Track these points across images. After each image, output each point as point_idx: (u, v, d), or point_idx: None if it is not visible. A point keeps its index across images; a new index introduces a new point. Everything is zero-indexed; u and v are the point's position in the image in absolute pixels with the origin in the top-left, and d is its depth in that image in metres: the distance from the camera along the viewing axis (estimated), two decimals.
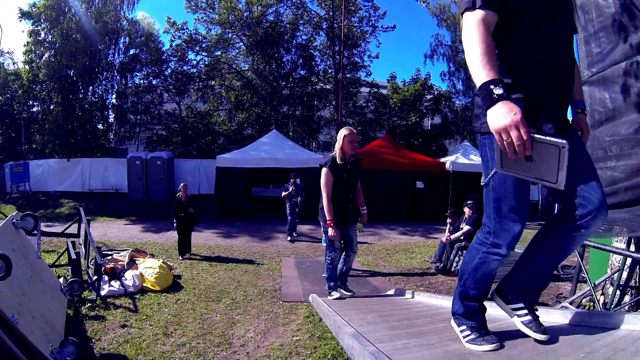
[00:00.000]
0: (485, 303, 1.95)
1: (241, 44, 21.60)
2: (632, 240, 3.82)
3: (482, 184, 1.78)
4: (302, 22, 21.51)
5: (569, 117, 1.86)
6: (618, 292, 3.93)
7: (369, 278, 6.55)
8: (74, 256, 5.12)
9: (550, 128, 1.58)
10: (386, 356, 1.76)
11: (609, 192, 2.85)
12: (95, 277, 4.87)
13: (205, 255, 8.25)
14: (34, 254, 4.45)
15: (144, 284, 5.47)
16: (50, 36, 17.95)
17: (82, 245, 5.97)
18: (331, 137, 22.55)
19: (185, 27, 20.77)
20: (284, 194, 10.30)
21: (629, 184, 2.96)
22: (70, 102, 18.09)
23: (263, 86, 19.76)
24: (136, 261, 6.27)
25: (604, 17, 3.11)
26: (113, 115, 21.11)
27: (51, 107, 18.29)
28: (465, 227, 7.01)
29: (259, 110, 20.55)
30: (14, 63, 22.30)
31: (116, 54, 20.23)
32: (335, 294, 4.51)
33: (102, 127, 20.54)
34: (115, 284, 5.27)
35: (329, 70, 22.37)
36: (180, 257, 7.81)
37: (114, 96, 20.81)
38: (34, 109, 20.57)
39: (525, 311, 1.81)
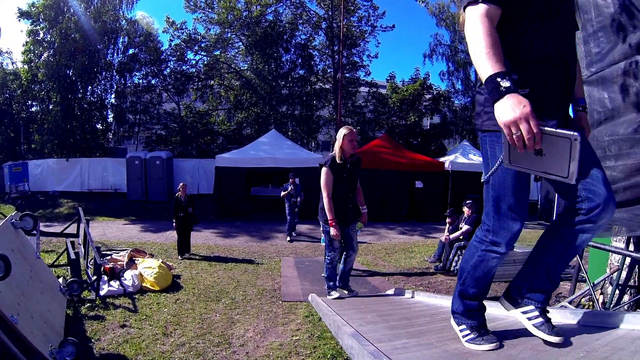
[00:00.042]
0: (485, 302, 1.95)
1: (240, 43, 21.59)
2: (631, 240, 3.83)
3: (482, 181, 1.78)
4: (301, 21, 21.52)
5: (570, 116, 1.86)
6: (617, 291, 3.94)
7: (369, 278, 6.55)
8: (73, 256, 5.12)
9: (553, 125, 1.57)
10: (385, 356, 1.76)
11: None
12: (95, 277, 4.86)
13: (204, 255, 8.25)
14: (33, 254, 4.45)
15: (143, 284, 5.47)
16: (49, 36, 17.91)
17: (82, 245, 5.96)
18: (330, 137, 22.56)
19: (184, 27, 20.79)
20: (282, 193, 10.31)
21: (627, 183, 2.96)
22: (69, 102, 18.05)
23: (262, 86, 19.75)
24: (135, 261, 6.27)
25: (602, 17, 3.12)
26: (112, 115, 21.10)
27: (50, 107, 18.25)
28: (465, 227, 7.02)
29: (258, 110, 20.54)
30: (12, 63, 22.30)
31: (115, 54, 20.23)
32: (335, 294, 4.51)
33: (101, 127, 20.52)
34: (115, 284, 5.27)
35: (328, 70, 22.37)
36: (179, 257, 7.81)
37: (113, 96, 20.80)
38: (33, 109, 20.55)
39: (536, 313, 1.75)
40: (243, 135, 20.78)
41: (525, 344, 1.77)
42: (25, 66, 18.59)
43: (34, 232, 4.61)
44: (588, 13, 3.21)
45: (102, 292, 4.97)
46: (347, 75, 21.42)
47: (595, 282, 4.15)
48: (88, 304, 4.59)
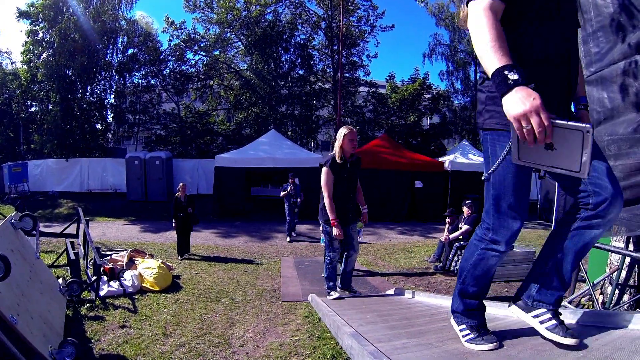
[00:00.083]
0: (485, 302, 1.95)
1: (240, 43, 21.59)
2: (631, 240, 3.84)
3: (482, 179, 1.77)
4: (300, 21, 21.51)
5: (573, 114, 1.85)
6: (617, 291, 3.94)
7: (368, 278, 6.55)
8: (72, 256, 5.12)
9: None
10: (385, 356, 1.76)
11: None
12: (94, 278, 4.86)
13: (204, 255, 8.24)
14: (33, 255, 4.44)
15: (143, 284, 5.47)
16: (48, 36, 17.89)
17: (81, 246, 5.97)
18: (330, 137, 22.55)
19: (183, 27, 20.77)
20: (282, 194, 10.30)
21: (627, 183, 2.97)
22: (69, 102, 18.04)
23: (262, 86, 19.75)
24: (135, 261, 6.26)
25: (602, 17, 3.12)
26: (111, 115, 21.09)
27: (49, 107, 18.23)
28: (464, 227, 7.02)
29: (258, 110, 20.54)
30: (12, 63, 22.26)
31: (114, 54, 20.21)
32: (335, 294, 4.51)
33: (100, 127, 20.50)
34: (115, 285, 5.27)
35: (328, 70, 22.37)
36: (179, 257, 7.80)
37: (112, 96, 20.79)
38: (33, 109, 20.53)
39: (548, 316, 1.70)
40: (242, 135, 20.78)
41: (524, 343, 1.78)
42: (25, 66, 18.56)
43: (34, 232, 4.60)
44: (587, 13, 3.21)
45: (101, 293, 4.96)
46: (347, 75, 21.41)
47: (595, 282, 4.15)
48: (88, 305, 4.59)
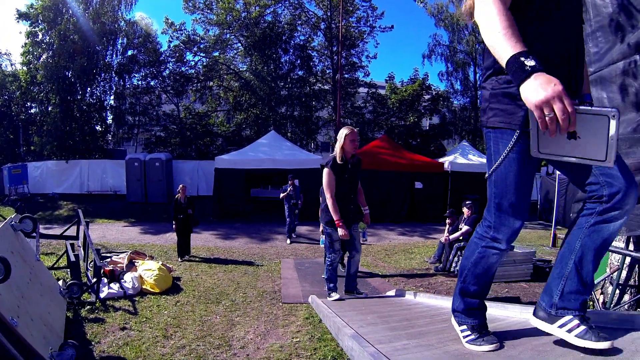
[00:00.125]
0: (486, 302, 1.94)
1: (239, 44, 21.62)
2: (631, 239, 3.83)
3: (485, 177, 1.77)
4: (300, 22, 21.54)
5: None
6: (617, 291, 3.94)
7: (369, 279, 6.55)
8: (73, 258, 5.11)
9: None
10: (386, 357, 1.76)
11: None
12: (95, 280, 4.85)
13: (204, 257, 8.24)
14: (33, 257, 4.44)
15: (143, 286, 5.46)
16: (47, 37, 17.91)
17: (81, 248, 5.96)
18: (329, 138, 22.57)
19: (183, 28, 20.80)
20: (282, 195, 10.29)
21: None
22: (68, 104, 18.06)
23: (261, 87, 19.76)
24: (135, 263, 6.26)
25: (601, 17, 3.12)
26: (111, 116, 21.12)
27: (49, 109, 18.25)
28: (464, 228, 7.02)
29: (257, 111, 20.56)
30: (11, 64, 22.28)
31: (114, 55, 20.26)
32: (335, 295, 4.50)
33: (100, 129, 20.50)
34: (115, 286, 5.26)
35: (327, 71, 22.39)
36: (179, 259, 7.80)
37: (112, 97, 20.83)
38: (32, 111, 20.56)
39: (576, 322, 1.57)
40: (242, 136, 20.80)
41: (525, 344, 1.77)
42: (24, 68, 18.59)
43: (34, 234, 4.59)
44: (586, 13, 3.21)
45: (102, 295, 4.96)
46: (346, 76, 21.43)
47: (595, 282, 4.15)
48: (88, 307, 4.58)
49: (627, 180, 1.47)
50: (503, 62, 1.32)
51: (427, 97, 21.38)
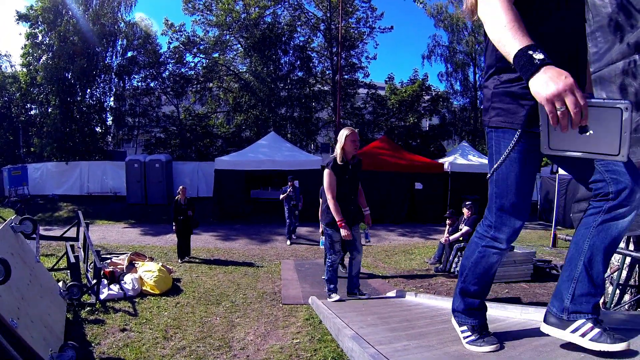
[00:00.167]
0: (487, 303, 1.94)
1: (239, 45, 21.64)
2: (631, 239, 3.83)
3: (487, 178, 1.77)
4: (299, 23, 21.54)
5: None
6: (618, 291, 3.94)
7: (369, 280, 6.55)
8: (73, 260, 5.11)
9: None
10: (386, 358, 1.75)
11: None
12: (95, 281, 4.85)
13: (204, 258, 8.24)
14: (33, 258, 4.44)
15: (144, 288, 5.46)
16: (47, 39, 17.94)
17: (81, 249, 5.96)
18: (329, 139, 22.56)
19: (182, 29, 20.83)
20: (281, 196, 10.29)
21: None
22: (68, 105, 18.08)
23: (261, 88, 19.76)
24: (135, 265, 6.26)
25: (600, 17, 3.12)
26: (111, 118, 21.13)
27: (49, 110, 18.26)
28: (464, 228, 7.01)
29: (257, 112, 20.56)
30: (11, 66, 22.30)
31: (114, 57, 20.29)
32: (335, 296, 4.50)
33: (100, 130, 20.52)
34: (115, 288, 5.26)
35: (327, 72, 22.39)
36: (179, 260, 7.80)
37: (111, 99, 20.86)
38: (32, 112, 20.56)
39: (590, 325, 1.51)
40: (242, 137, 20.81)
41: (526, 345, 1.77)
42: (24, 69, 18.60)
43: (34, 235, 4.60)
44: (585, 13, 3.21)
45: (102, 296, 4.96)
46: (346, 76, 21.43)
47: None
48: (88, 308, 4.58)
49: (634, 176, 1.44)
50: (510, 57, 1.29)
51: (426, 97, 21.37)
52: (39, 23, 17.67)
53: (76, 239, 6.21)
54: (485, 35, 1.68)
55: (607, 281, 4.21)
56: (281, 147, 15.18)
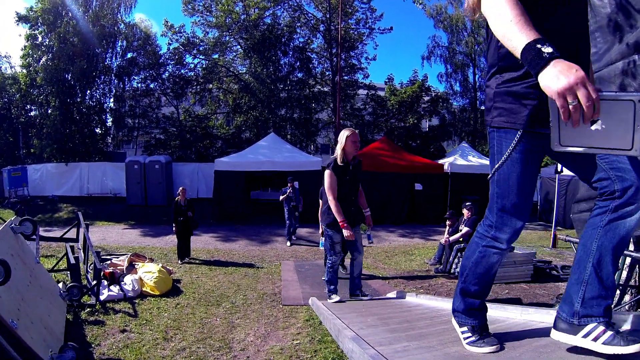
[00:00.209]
0: (487, 304, 1.94)
1: (238, 47, 21.63)
2: (631, 240, 3.83)
3: (488, 178, 1.77)
4: (299, 24, 21.53)
5: None
6: (618, 291, 3.93)
7: (369, 281, 6.55)
8: (73, 261, 5.11)
9: None
10: (386, 359, 1.75)
11: None
12: (95, 282, 4.85)
13: (204, 259, 8.23)
14: (33, 259, 4.44)
15: (144, 289, 5.46)
16: (47, 40, 17.94)
17: (81, 250, 5.95)
18: (329, 140, 22.56)
19: (182, 31, 20.79)
20: (281, 197, 10.29)
21: None
22: (68, 106, 18.07)
23: (261, 89, 19.76)
24: (135, 265, 6.25)
25: (599, 17, 3.13)
26: (111, 119, 21.11)
27: (49, 111, 18.26)
28: (464, 229, 7.01)
29: (257, 114, 20.55)
30: (11, 67, 22.33)
31: (114, 58, 20.30)
32: (335, 297, 4.50)
33: (100, 131, 20.50)
34: (115, 289, 5.26)
35: (327, 73, 22.37)
36: (179, 261, 7.79)
37: (111, 100, 20.84)
38: (32, 113, 20.56)
39: (602, 328, 1.47)
40: (242, 138, 20.81)
41: (526, 345, 1.77)
42: (24, 70, 18.58)
43: (34, 236, 4.59)
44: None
45: (102, 297, 4.95)
46: (346, 77, 21.42)
47: None
48: (88, 309, 4.58)
49: (638, 170, 1.42)
50: (517, 52, 1.26)
51: (426, 98, 21.36)
52: (39, 24, 17.67)
53: (76, 240, 6.21)
54: (487, 34, 1.68)
55: None
56: (281, 148, 15.18)
